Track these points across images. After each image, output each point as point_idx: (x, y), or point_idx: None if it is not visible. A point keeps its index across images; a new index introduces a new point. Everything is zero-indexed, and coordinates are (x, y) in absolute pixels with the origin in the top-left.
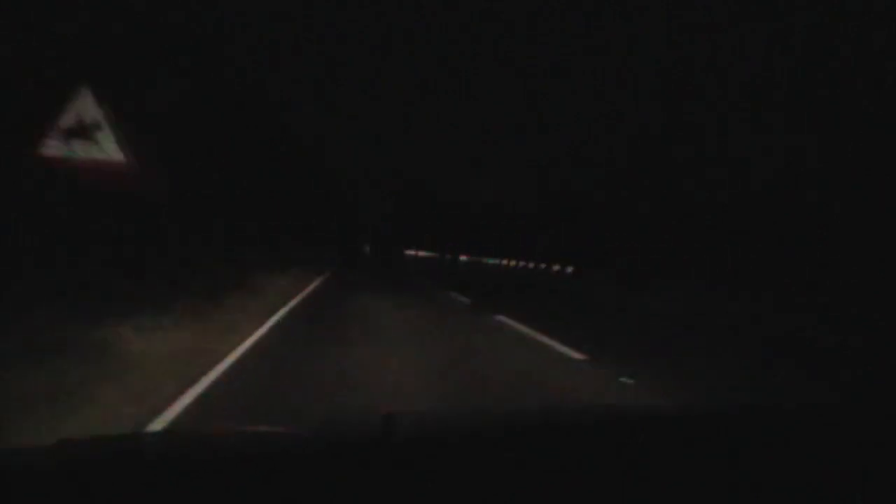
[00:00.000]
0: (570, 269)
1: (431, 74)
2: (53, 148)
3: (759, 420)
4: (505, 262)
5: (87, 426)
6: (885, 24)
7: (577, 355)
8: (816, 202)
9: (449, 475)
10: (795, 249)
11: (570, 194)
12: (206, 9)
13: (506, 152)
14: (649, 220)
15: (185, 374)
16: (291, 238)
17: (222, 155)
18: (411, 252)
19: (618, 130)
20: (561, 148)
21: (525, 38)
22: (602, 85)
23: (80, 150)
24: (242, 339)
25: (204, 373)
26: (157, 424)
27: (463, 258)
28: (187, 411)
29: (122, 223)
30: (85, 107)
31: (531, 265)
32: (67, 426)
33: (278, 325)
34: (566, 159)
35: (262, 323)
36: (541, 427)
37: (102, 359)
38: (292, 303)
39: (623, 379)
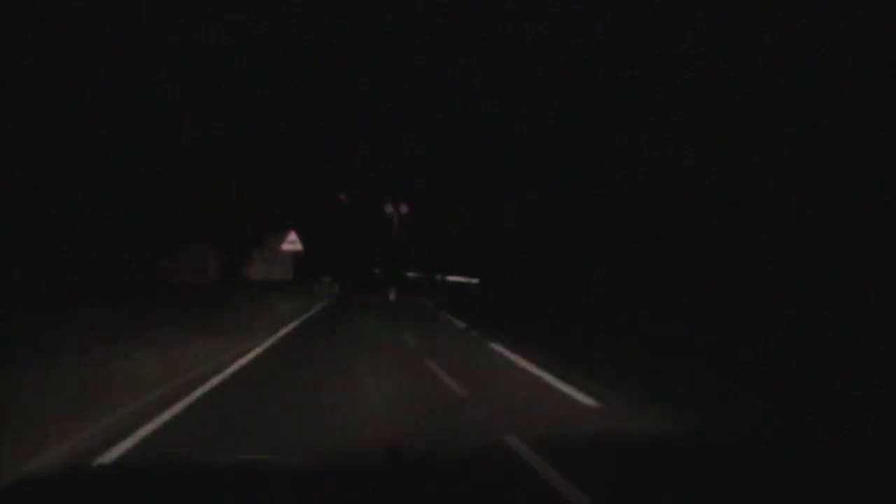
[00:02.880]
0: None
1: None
2: (287, 244)
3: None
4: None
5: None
6: None
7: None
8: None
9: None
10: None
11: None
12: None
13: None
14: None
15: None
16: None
17: (313, 228)
18: (412, 274)
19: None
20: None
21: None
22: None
23: (293, 247)
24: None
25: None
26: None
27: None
28: (324, 305)
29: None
30: (293, 235)
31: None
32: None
33: (341, 291)
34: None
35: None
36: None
37: (292, 297)
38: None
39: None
